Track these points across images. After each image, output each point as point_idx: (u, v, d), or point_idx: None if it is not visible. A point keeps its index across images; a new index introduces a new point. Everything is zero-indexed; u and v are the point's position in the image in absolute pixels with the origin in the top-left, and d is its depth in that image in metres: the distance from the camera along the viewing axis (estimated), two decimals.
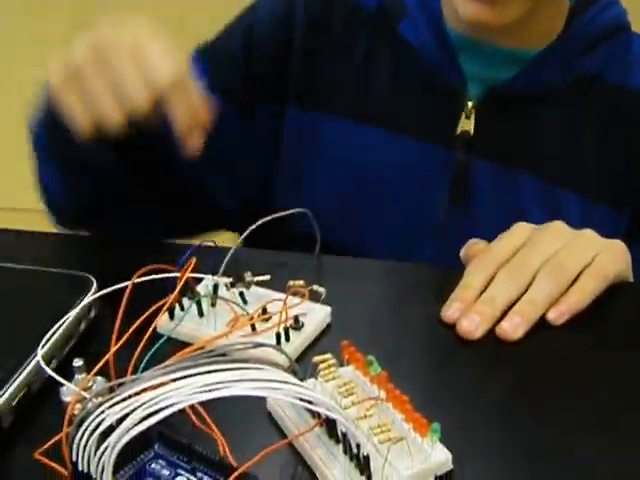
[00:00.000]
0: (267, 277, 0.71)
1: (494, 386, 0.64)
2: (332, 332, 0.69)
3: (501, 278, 0.70)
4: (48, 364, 0.62)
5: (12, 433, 0.60)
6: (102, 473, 0.51)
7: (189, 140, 0.72)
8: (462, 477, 0.56)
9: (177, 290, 0.64)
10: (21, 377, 0.62)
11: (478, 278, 0.70)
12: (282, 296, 0.67)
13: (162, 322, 0.68)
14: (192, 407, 0.57)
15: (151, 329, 0.61)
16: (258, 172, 0.94)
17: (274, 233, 0.74)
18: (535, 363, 0.67)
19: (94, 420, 0.51)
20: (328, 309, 0.70)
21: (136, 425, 0.50)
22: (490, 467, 0.57)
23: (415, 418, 0.55)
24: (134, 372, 0.57)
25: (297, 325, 0.68)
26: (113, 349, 0.58)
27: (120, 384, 0.54)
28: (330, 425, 0.57)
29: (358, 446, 0.53)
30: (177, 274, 0.65)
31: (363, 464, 0.54)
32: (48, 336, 0.64)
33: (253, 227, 0.72)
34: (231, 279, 0.70)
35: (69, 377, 0.59)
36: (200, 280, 0.71)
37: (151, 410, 0.50)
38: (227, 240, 0.79)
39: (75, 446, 0.52)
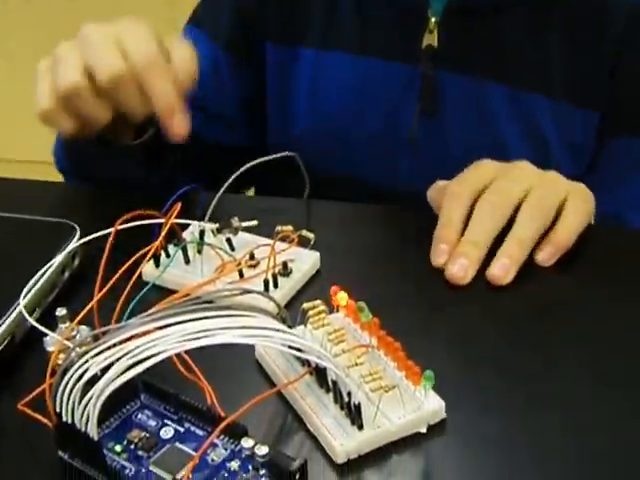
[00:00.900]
0: (254, 223, 0.69)
1: (488, 332, 0.63)
2: (321, 279, 0.68)
3: (481, 211, 0.69)
4: (31, 314, 0.61)
5: None
6: (87, 424, 0.50)
7: (171, 124, 0.71)
8: (455, 426, 0.55)
9: (161, 236, 0.62)
10: (3, 327, 0.60)
11: (457, 212, 0.69)
12: (270, 242, 0.66)
13: (147, 270, 0.66)
14: (179, 356, 0.55)
15: (135, 276, 0.59)
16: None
17: (261, 178, 0.73)
18: (529, 307, 0.65)
19: (78, 370, 0.50)
20: (317, 255, 0.69)
21: (121, 375, 0.49)
22: (484, 416, 0.56)
23: (407, 366, 0.54)
24: (119, 320, 0.56)
25: (285, 271, 0.66)
26: (97, 297, 0.56)
27: (104, 332, 0.52)
28: (320, 373, 0.55)
29: (349, 395, 0.52)
30: (162, 220, 0.63)
31: (354, 413, 0.52)
32: (30, 285, 0.62)
33: (239, 172, 0.70)
34: (217, 225, 0.68)
35: (53, 327, 0.58)
36: (186, 227, 0.69)
37: (136, 359, 0.49)
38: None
39: (59, 397, 0.50)
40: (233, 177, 0.70)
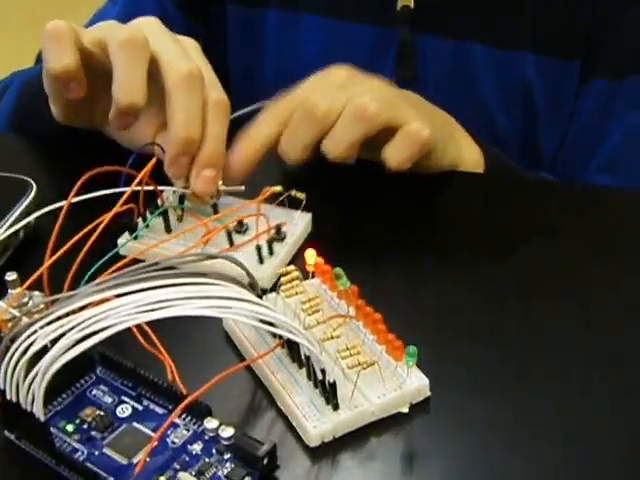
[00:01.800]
0: (241, 188, 0.64)
1: (477, 304, 0.58)
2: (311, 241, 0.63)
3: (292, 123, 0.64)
4: None
5: None
6: (32, 403, 0.45)
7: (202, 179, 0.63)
8: (440, 405, 0.51)
9: (126, 195, 0.57)
10: None
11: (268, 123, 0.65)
12: (259, 205, 0.61)
13: (123, 241, 0.61)
14: (138, 326, 0.51)
15: (93, 238, 0.54)
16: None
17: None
18: (521, 278, 0.61)
19: (24, 342, 0.45)
20: (309, 216, 0.64)
21: (70, 348, 0.44)
22: (471, 395, 0.52)
23: (389, 340, 0.50)
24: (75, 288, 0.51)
25: (279, 236, 0.61)
26: (47, 261, 0.51)
27: (55, 301, 0.47)
28: (292, 347, 0.51)
29: (323, 372, 0.48)
30: (134, 176, 0.57)
31: (329, 392, 0.48)
32: None
33: None
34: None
35: (3, 292, 0.54)
36: (155, 194, 0.63)
37: (85, 332, 0.44)
38: None
39: (2, 372, 0.45)
40: None
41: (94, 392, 0.50)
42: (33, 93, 0.71)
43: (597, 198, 0.70)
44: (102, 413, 0.49)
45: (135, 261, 0.50)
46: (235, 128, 0.65)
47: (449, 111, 0.72)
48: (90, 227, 0.53)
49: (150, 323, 0.47)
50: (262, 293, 0.52)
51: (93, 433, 0.48)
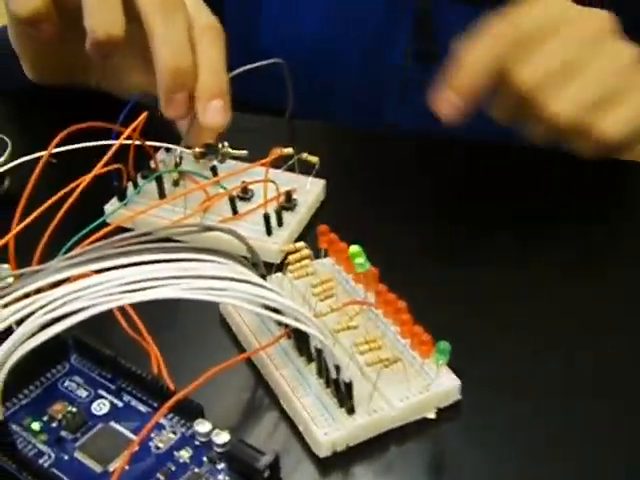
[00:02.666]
0: (244, 152, 0.57)
1: (516, 293, 0.51)
2: (325, 213, 0.57)
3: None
4: None
5: None
6: None
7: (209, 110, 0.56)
8: (471, 410, 0.44)
9: (113, 149, 0.50)
10: None
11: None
12: (267, 169, 0.54)
13: (109, 207, 0.55)
14: (121, 308, 0.45)
15: (69, 202, 0.47)
16: None
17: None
18: (564, 263, 0.54)
19: None
20: (322, 183, 0.57)
21: (38, 332, 0.38)
22: (507, 398, 0.45)
23: (415, 332, 0.43)
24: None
25: (290, 204, 0.55)
26: (16, 228, 0.45)
27: (21, 275, 0.41)
28: (301, 337, 0.44)
29: (338, 368, 0.41)
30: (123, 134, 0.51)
31: (343, 392, 0.41)
32: None
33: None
34: (201, 148, 0.56)
35: None
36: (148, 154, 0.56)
37: (59, 312, 0.38)
38: None
39: None
40: None
41: (66, 384, 0.44)
42: (1, 54, 0.66)
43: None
44: (75, 409, 0.43)
45: (120, 230, 0.44)
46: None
47: None
48: (68, 188, 0.47)
49: (134, 305, 0.42)
50: (266, 273, 0.45)
51: (63, 433, 0.42)
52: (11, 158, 0.57)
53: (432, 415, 0.43)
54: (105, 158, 0.50)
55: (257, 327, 0.46)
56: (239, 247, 0.44)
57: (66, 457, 0.41)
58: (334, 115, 0.77)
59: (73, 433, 0.41)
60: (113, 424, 0.42)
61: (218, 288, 0.38)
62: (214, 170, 0.56)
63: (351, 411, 0.42)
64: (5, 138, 0.58)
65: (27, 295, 0.39)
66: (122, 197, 0.55)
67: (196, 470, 0.40)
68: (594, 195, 0.58)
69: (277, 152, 0.54)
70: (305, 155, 0.55)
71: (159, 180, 0.55)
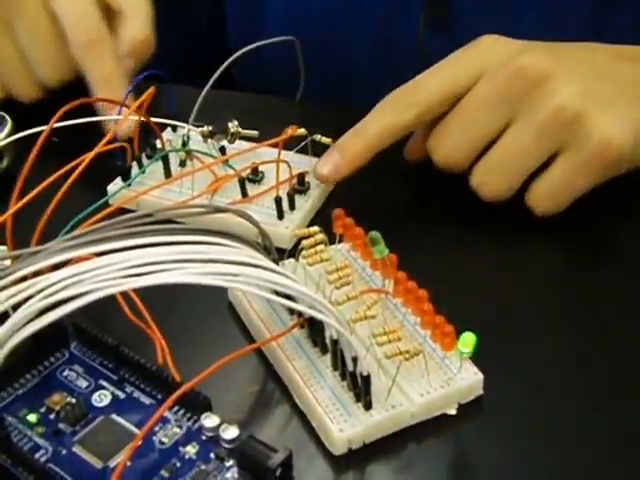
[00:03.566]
0: (255, 133, 0.55)
1: (540, 284, 0.49)
2: (337, 198, 0.54)
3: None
4: None
5: None
6: None
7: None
8: (494, 406, 0.41)
9: (114, 129, 0.47)
10: None
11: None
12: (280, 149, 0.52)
13: (113, 187, 0.53)
14: (124, 294, 0.43)
15: (70, 180, 0.45)
16: None
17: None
18: (596, 252, 0.51)
19: None
20: None
21: (36, 317, 0.36)
22: (532, 394, 0.42)
23: (436, 323, 0.41)
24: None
25: (303, 187, 0.52)
26: (13, 207, 0.43)
27: (19, 257, 0.39)
28: (315, 327, 0.42)
29: (354, 361, 0.39)
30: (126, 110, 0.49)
31: (361, 386, 0.39)
32: None
33: (230, 60, 0.56)
34: (210, 127, 0.54)
35: None
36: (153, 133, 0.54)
37: (59, 297, 0.36)
38: None
39: None
40: (225, 65, 0.56)
41: (65, 373, 0.42)
42: None
43: None
44: (74, 401, 0.40)
45: (123, 211, 0.43)
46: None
47: None
48: (69, 166, 0.44)
49: (138, 291, 0.40)
50: (279, 258, 0.42)
51: (61, 426, 0.40)
52: (10, 135, 0.55)
53: (453, 411, 0.41)
54: (108, 135, 0.47)
55: (268, 315, 0.44)
56: (249, 231, 0.41)
57: (64, 451, 0.38)
58: (341, 92, 0.74)
59: (72, 426, 0.39)
60: (115, 417, 0.40)
61: (229, 273, 0.36)
62: (223, 151, 0.54)
63: (368, 406, 0.39)
64: (5, 115, 0.56)
65: (25, 278, 0.37)
66: (126, 177, 0.53)
67: (203, 467, 0.37)
68: (618, 189, 0.55)
69: (291, 131, 0.52)
70: (319, 137, 0.53)
71: (165, 160, 0.53)
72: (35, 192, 0.44)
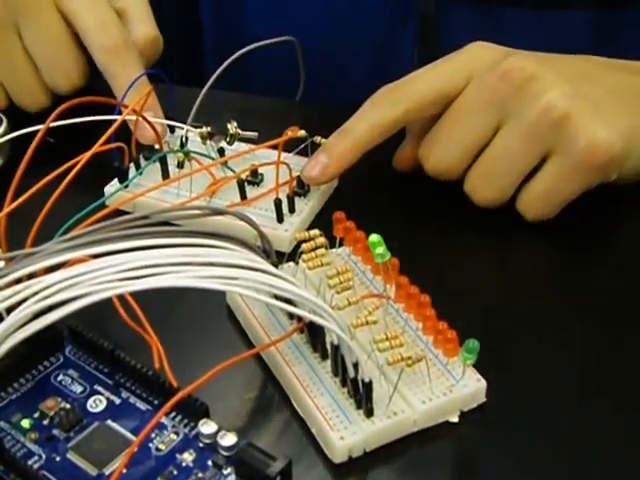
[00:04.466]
0: (254, 134, 0.55)
1: (546, 289, 0.48)
2: (338, 201, 0.53)
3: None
4: None
5: None
6: None
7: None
8: (497, 414, 0.41)
9: (115, 125, 0.47)
10: None
11: None
12: (280, 151, 0.51)
13: (110, 188, 0.52)
14: (120, 297, 0.42)
15: (67, 180, 0.44)
16: None
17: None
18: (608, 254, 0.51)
19: None
20: None
21: (30, 321, 0.36)
22: (536, 401, 0.42)
23: (439, 329, 0.40)
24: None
25: (303, 189, 0.51)
26: (7, 207, 0.42)
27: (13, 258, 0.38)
28: (315, 332, 0.41)
29: (355, 367, 0.38)
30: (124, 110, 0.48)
31: (361, 393, 0.38)
32: None
33: (229, 61, 0.55)
34: (208, 128, 0.53)
35: None
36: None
37: (54, 300, 0.35)
38: None
39: None
40: (226, 64, 0.55)
41: (60, 378, 0.41)
42: None
43: None
44: (68, 406, 0.40)
45: (120, 213, 0.42)
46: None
47: None
48: (66, 166, 0.44)
49: (135, 294, 0.39)
50: (278, 262, 0.42)
51: (55, 432, 0.39)
52: (6, 134, 0.54)
53: (455, 419, 0.40)
54: (106, 134, 0.47)
55: (267, 320, 0.43)
56: (248, 234, 0.41)
57: (58, 458, 0.38)
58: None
59: (66, 432, 0.38)
60: (110, 423, 0.39)
61: (227, 276, 0.35)
62: (222, 152, 0.53)
63: (369, 413, 0.38)
64: (0, 114, 0.56)
65: (19, 280, 0.36)
66: (123, 179, 0.52)
67: (200, 475, 0.37)
68: (618, 189, 0.55)
69: (291, 133, 0.51)
70: (319, 138, 0.52)
71: (163, 161, 0.52)
72: (30, 192, 0.43)
